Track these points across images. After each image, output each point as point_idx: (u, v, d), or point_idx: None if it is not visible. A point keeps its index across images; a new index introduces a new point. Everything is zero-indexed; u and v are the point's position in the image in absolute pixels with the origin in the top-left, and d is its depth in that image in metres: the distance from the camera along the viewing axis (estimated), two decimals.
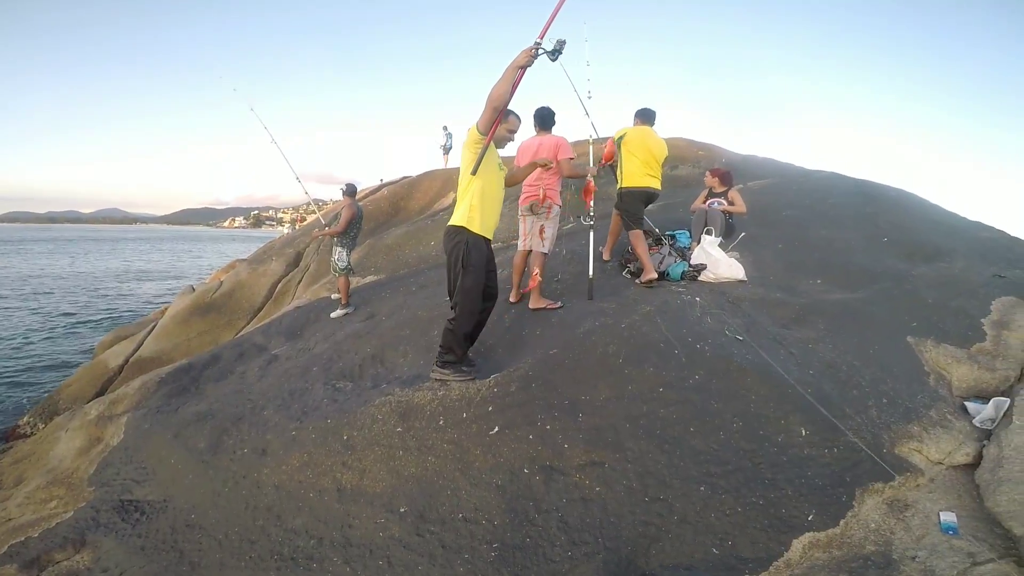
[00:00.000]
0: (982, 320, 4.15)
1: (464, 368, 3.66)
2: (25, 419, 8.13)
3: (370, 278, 8.23)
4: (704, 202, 5.94)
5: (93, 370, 9.26)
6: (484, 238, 3.48)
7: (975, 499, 2.59)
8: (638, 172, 4.99)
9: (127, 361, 9.12)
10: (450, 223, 3.50)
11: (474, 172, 3.37)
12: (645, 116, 5.14)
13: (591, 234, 4.85)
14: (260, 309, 10.05)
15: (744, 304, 4.32)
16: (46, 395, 9.25)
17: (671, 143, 14.32)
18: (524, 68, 3.10)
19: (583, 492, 2.57)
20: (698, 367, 3.25)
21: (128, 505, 3.49)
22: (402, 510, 2.69)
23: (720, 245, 5.18)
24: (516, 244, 4.87)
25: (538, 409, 3.09)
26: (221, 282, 11.28)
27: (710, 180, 6.04)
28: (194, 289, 11.61)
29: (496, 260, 6.82)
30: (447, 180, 14.13)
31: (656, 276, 4.76)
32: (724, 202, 5.83)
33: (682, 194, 8.77)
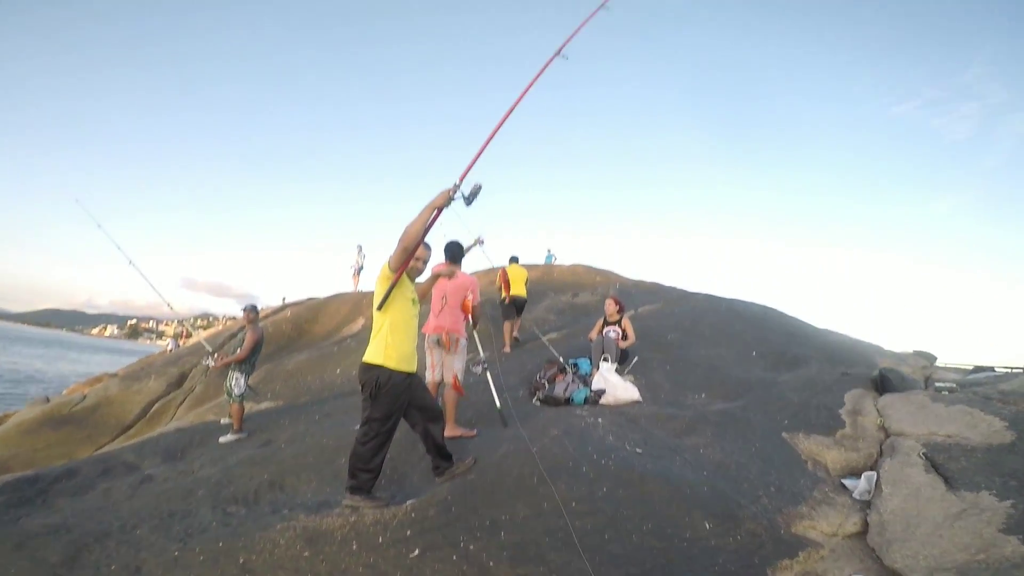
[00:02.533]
0: (840, 411, 4.89)
1: (376, 495, 3.54)
2: None
3: (266, 404, 7.78)
4: (600, 331, 6.54)
5: None
6: (402, 372, 3.45)
7: (875, 560, 2.95)
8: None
9: None
10: (364, 359, 3.47)
11: (379, 308, 3.43)
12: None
13: (488, 375, 5.18)
14: (130, 427, 9.02)
15: (641, 421, 4.71)
16: None
17: (572, 270, 15.64)
18: (440, 209, 3.22)
19: None
20: (605, 480, 3.45)
21: None
22: None
23: (616, 370, 5.75)
24: (426, 375, 4.90)
25: (459, 531, 3.06)
26: (84, 395, 10.01)
27: (611, 308, 6.68)
28: (48, 400, 10.17)
29: None
30: (356, 303, 13.98)
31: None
32: (619, 329, 6.46)
33: (583, 322, 9.52)
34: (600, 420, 4.52)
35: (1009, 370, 6.40)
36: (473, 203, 3.27)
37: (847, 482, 3.83)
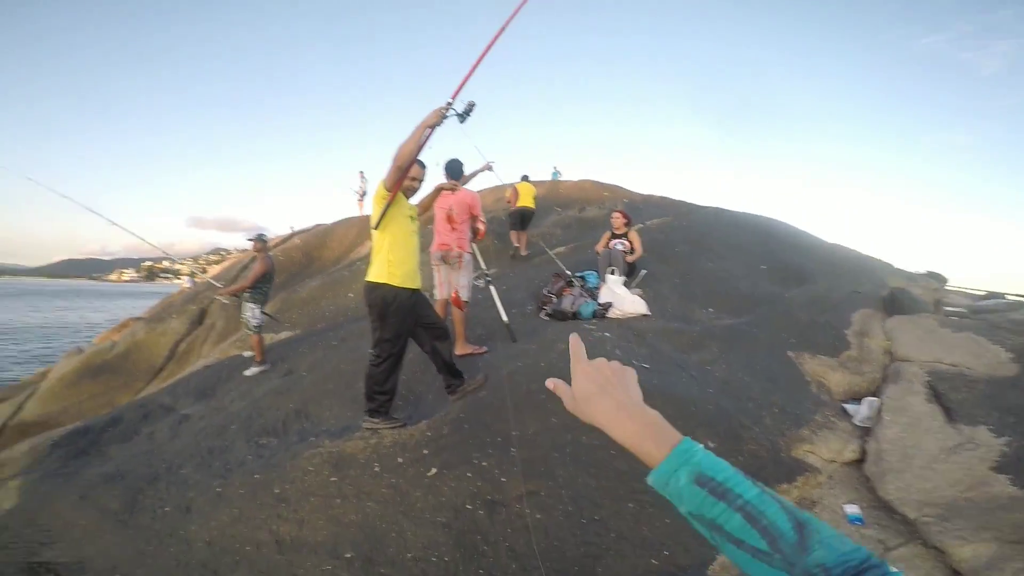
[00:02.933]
0: (846, 331, 4.86)
1: (394, 416, 3.70)
2: None
3: (285, 334, 7.98)
4: (607, 244, 6.49)
5: None
6: (407, 289, 3.50)
7: (870, 490, 3.02)
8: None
9: (5, 425, 8.15)
10: (368, 279, 3.52)
11: (375, 227, 3.45)
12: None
13: (492, 288, 5.19)
14: (161, 370, 9.35)
15: (648, 335, 4.76)
16: None
17: (579, 186, 15.30)
18: (433, 127, 3.18)
19: (525, 520, 2.72)
20: None
21: (38, 567, 3.21)
22: (348, 555, 2.70)
23: (624, 283, 5.71)
24: (434, 293, 5.00)
25: (472, 448, 3.23)
26: (115, 342, 10.37)
27: (618, 221, 6.59)
28: (81, 350, 10.57)
29: None
30: (363, 227, 14.00)
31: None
32: (626, 243, 6.41)
33: (590, 235, 9.44)
34: (607, 334, 4.59)
35: (1021, 298, 6.23)
36: (467, 120, 3.23)
37: (849, 407, 3.83)
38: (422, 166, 3.64)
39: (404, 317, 3.51)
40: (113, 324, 14.98)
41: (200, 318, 10.71)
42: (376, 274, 3.48)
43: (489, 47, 3.39)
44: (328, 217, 15.98)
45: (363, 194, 16.52)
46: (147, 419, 5.52)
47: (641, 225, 9.20)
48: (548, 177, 16.91)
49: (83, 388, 8.91)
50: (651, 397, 3.44)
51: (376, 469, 3.25)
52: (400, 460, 3.27)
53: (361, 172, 16.74)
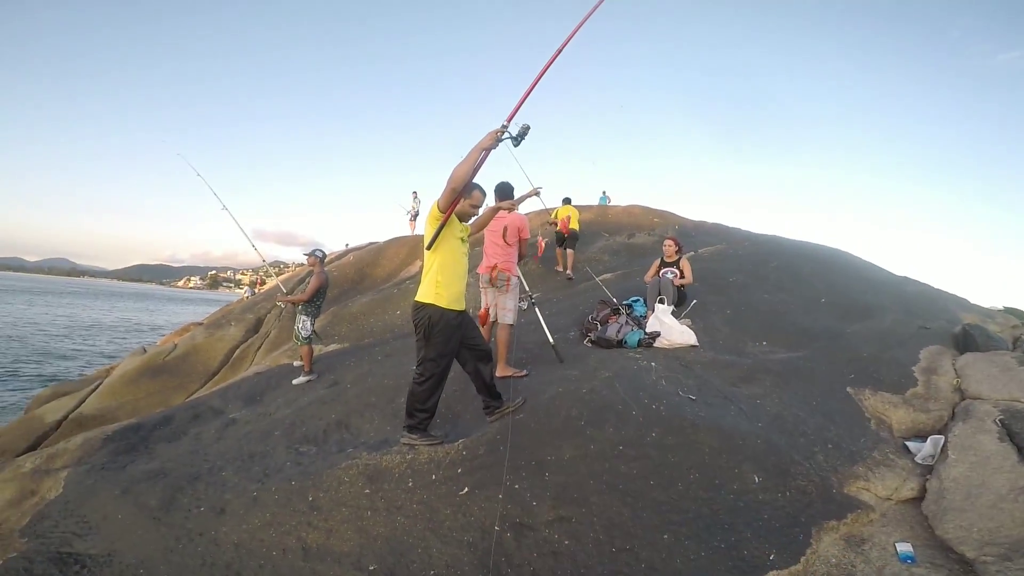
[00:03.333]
0: (913, 368, 4.57)
1: (432, 433, 3.70)
2: None
3: (333, 346, 8.18)
4: (657, 272, 6.34)
5: (25, 424, 8.68)
6: (453, 311, 3.51)
7: (926, 529, 2.81)
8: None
9: (67, 416, 8.63)
10: (416, 298, 3.56)
11: (429, 247, 3.49)
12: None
13: (536, 310, 5.22)
14: (215, 374, 9.74)
15: (696, 367, 4.59)
16: None
17: (628, 211, 15.18)
18: (488, 150, 3.20)
19: (553, 546, 2.64)
20: (654, 425, 3.43)
21: (67, 557, 3.30)
22: (371, 568, 2.68)
23: (673, 313, 5.55)
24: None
25: (507, 470, 3.17)
26: (175, 345, 10.93)
27: (669, 248, 6.45)
28: (145, 351, 11.18)
29: None
30: (414, 247, 14.33)
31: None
32: (676, 271, 6.24)
33: (639, 263, 9.29)
34: (653, 364, 4.46)
35: None
36: (522, 143, 3.23)
37: (911, 444, 3.61)
38: (483, 192, 3.65)
39: (449, 338, 3.51)
40: (176, 328, 15.87)
41: (256, 327, 11.16)
42: (424, 294, 3.51)
43: (545, 70, 3.42)
44: (381, 236, 16.50)
45: (415, 214, 16.95)
46: (196, 420, 5.71)
47: (692, 253, 8.99)
48: (596, 202, 16.88)
49: (142, 386, 9.37)
50: (696, 430, 3.31)
51: (409, 484, 3.24)
52: (434, 477, 3.25)
53: (415, 192, 17.20)
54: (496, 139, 3.16)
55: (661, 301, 5.73)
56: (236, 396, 6.39)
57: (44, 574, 3.16)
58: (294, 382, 6.35)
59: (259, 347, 10.10)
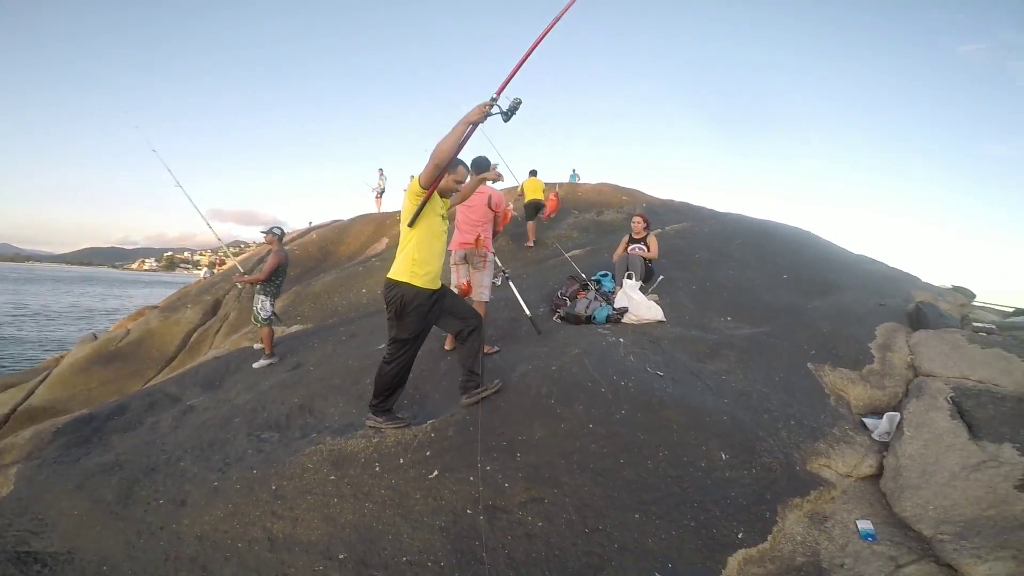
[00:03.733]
0: (869, 344, 4.69)
1: (398, 415, 3.61)
2: None
3: (296, 327, 7.98)
4: (625, 248, 6.36)
5: None
6: (428, 290, 3.37)
7: (885, 507, 2.91)
8: None
9: (14, 410, 8.21)
10: (389, 275, 3.40)
11: (411, 224, 3.32)
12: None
13: (511, 284, 5.18)
14: (172, 359, 9.40)
15: (664, 343, 4.63)
16: None
17: (597, 189, 15.19)
18: (476, 124, 3.03)
19: (527, 528, 2.62)
20: (623, 403, 3.43)
21: (26, 556, 3.15)
22: (341, 556, 2.62)
23: (641, 288, 5.57)
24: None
25: (476, 451, 3.11)
26: (128, 330, 10.46)
27: (637, 224, 6.46)
28: (96, 337, 10.67)
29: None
30: (380, 224, 14.06)
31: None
32: (644, 247, 6.27)
33: (607, 239, 9.30)
34: (622, 340, 4.47)
35: None
36: (512, 118, 3.07)
37: (868, 421, 3.71)
38: (467, 168, 3.52)
39: (422, 318, 3.40)
40: (130, 312, 15.21)
41: (215, 308, 10.79)
42: (399, 272, 3.35)
43: (537, 43, 3.21)
44: (346, 213, 16.13)
45: (381, 191, 16.62)
46: (152, 409, 5.50)
47: (660, 230, 9.05)
48: (566, 179, 16.83)
49: (94, 375, 8.97)
50: (664, 406, 3.32)
51: (376, 469, 3.15)
52: (401, 461, 3.18)
53: (380, 169, 16.87)
54: (484, 113, 2.99)
55: (629, 277, 5.76)
56: (194, 382, 6.19)
57: (4, 574, 3.01)
58: (254, 365, 6.16)
59: (218, 330, 9.78)
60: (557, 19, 3.30)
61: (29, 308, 35.04)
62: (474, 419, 3.41)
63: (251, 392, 5.23)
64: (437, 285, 3.46)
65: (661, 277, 6.40)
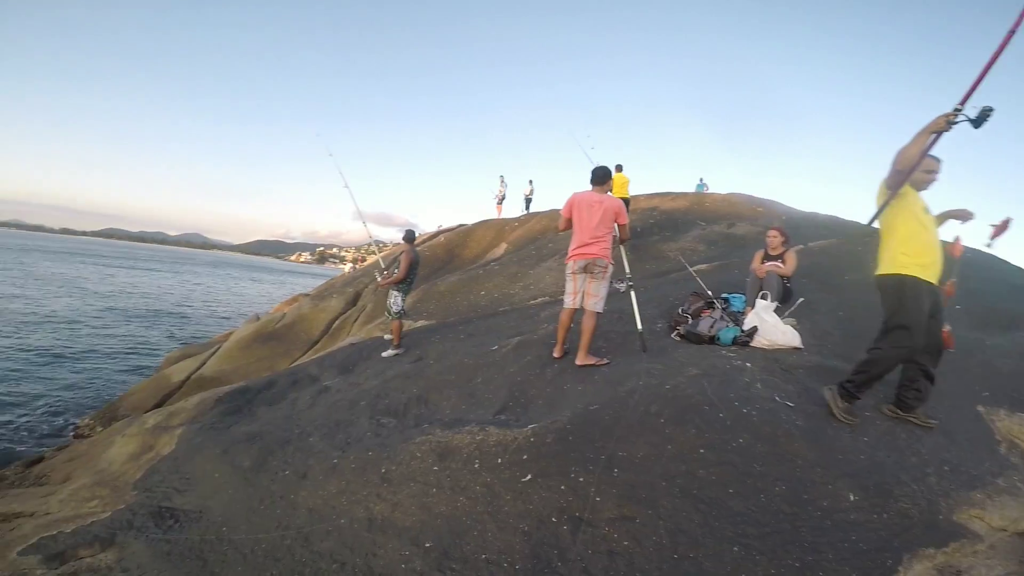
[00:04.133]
0: None
1: (855, 412, 3.47)
2: (85, 421, 8.72)
3: (421, 322, 8.46)
4: (760, 263, 5.82)
5: (156, 382, 9.86)
6: (924, 281, 3.29)
7: None
8: None
9: (189, 377, 9.68)
10: (877, 273, 3.43)
11: (873, 222, 3.48)
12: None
13: (632, 294, 4.99)
14: (316, 342, 10.50)
15: (798, 371, 4.16)
16: (107, 401, 9.85)
17: (727, 200, 14.21)
18: (939, 134, 3.06)
19: (610, 545, 2.52)
20: (743, 431, 3.16)
21: (165, 512, 3.64)
22: (427, 545, 2.72)
23: (776, 310, 5.03)
24: (563, 300, 4.88)
25: (573, 461, 3.07)
26: (284, 314, 11.91)
27: (774, 239, 5.86)
28: (259, 318, 12.30)
29: (543, 315, 6.83)
30: (500, 230, 14.52)
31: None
32: (781, 264, 5.70)
33: (737, 254, 8.64)
34: (748, 364, 4.12)
35: None
36: (983, 126, 2.98)
37: None
38: (937, 160, 3.47)
39: (921, 307, 3.27)
40: (286, 298, 17.32)
41: (355, 300, 11.90)
42: (887, 267, 3.37)
43: (999, 51, 3.10)
44: (470, 218, 16.97)
45: (502, 198, 17.13)
46: (295, 386, 6.13)
47: (801, 246, 8.18)
48: (692, 189, 16.01)
49: (253, 352, 10.32)
50: (791, 439, 2.99)
51: (476, 466, 3.24)
52: (499, 461, 3.23)
53: (502, 177, 17.35)
54: (948, 122, 3.00)
55: (763, 296, 5.21)
56: (332, 365, 6.79)
57: (142, 526, 3.50)
58: (383, 355, 6.65)
59: (356, 319, 10.74)
60: (1017, 23, 3.10)
61: (214, 290, 41.67)
62: (575, 429, 3.37)
63: (377, 379, 5.65)
64: (934, 278, 3.35)
65: (801, 299, 5.73)
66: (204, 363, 10.16)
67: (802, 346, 4.66)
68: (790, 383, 3.91)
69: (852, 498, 2.69)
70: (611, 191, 4.83)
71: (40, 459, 6.77)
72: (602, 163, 4.75)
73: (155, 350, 15.87)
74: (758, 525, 2.55)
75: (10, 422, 8.95)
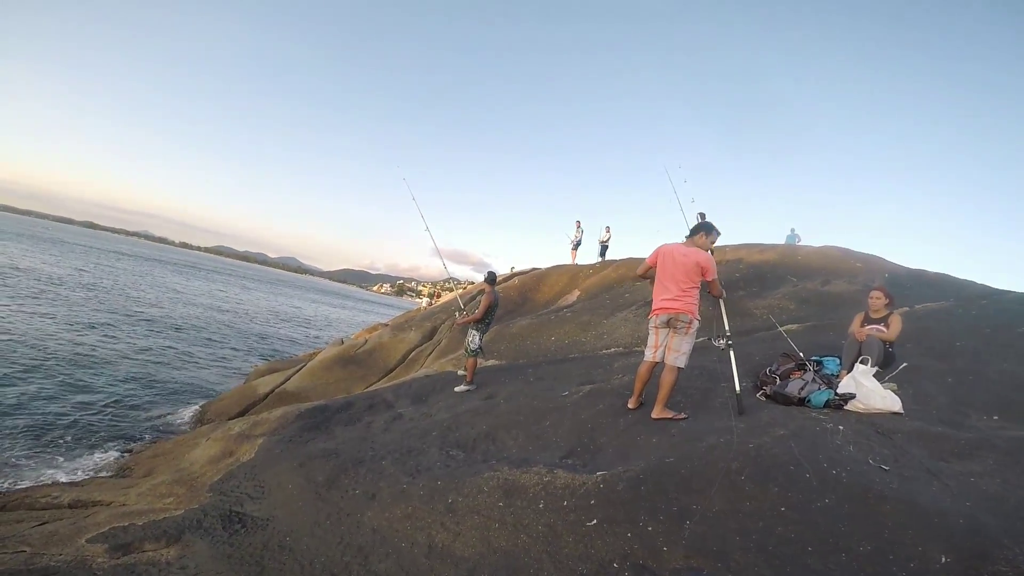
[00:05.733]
0: None
1: None
2: (176, 421, 9.42)
3: (492, 362, 8.59)
4: (860, 326, 5.41)
5: (243, 392, 10.56)
6: None
7: None
8: None
9: (273, 391, 10.30)
10: None
11: None
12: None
13: (732, 353, 4.72)
14: (392, 370, 10.90)
15: (896, 436, 3.82)
16: (197, 405, 10.62)
17: (822, 253, 13.41)
18: None
19: None
20: (830, 491, 2.94)
21: (234, 516, 3.78)
22: None
23: (875, 375, 4.65)
24: (641, 351, 4.76)
25: (642, 510, 2.97)
26: (366, 340, 12.51)
27: (877, 301, 5.42)
28: (342, 342, 12.97)
29: (615, 365, 6.68)
30: (574, 276, 14.51)
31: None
32: (883, 329, 5.26)
33: (832, 315, 8.10)
34: (841, 427, 3.83)
35: None
36: None
37: None
38: None
39: None
40: (367, 325, 18.16)
41: (431, 334, 12.28)
42: None
43: None
44: (542, 261, 17.20)
45: (577, 243, 17.12)
46: (371, 410, 6.38)
47: (906, 309, 7.53)
48: (782, 240, 15.26)
49: (334, 372, 10.86)
50: (883, 500, 2.76)
51: (540, 506, 3.21)
52: (565, 503, 3.18)
53: (578, 222, 17.37)
54: None
55: (863, 361, 4.82)
56: (406, 394, 7.02)
57: (210, 528, 3.64)
58: (456, 389, 6.81)
59: (430, 352, 11.06)
60: None
61: (304, 311, 44.77)
62: (648, 479, 3.27)
63: (449, 412, 5.78)
64: None
65: (904, 364, 5.26)
66: (288, 379, 10.80)
67: (903, 411, 4.29)
68: (886, 447, 3.61)
69: (943, 560, 2.42)
70: (708, 247, 4.61)
71: (129, 451, 7.42)
72: (702, 216, 4.64)
73: (245, 362, 17.13)
74: None
75: (111, 414, 9.88)
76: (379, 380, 10.36)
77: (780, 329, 6.76)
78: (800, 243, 15.03)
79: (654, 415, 4.44)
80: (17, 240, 56.33)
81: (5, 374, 10.59)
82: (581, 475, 3.47)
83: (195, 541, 3.49)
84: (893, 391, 4.53)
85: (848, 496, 2.89)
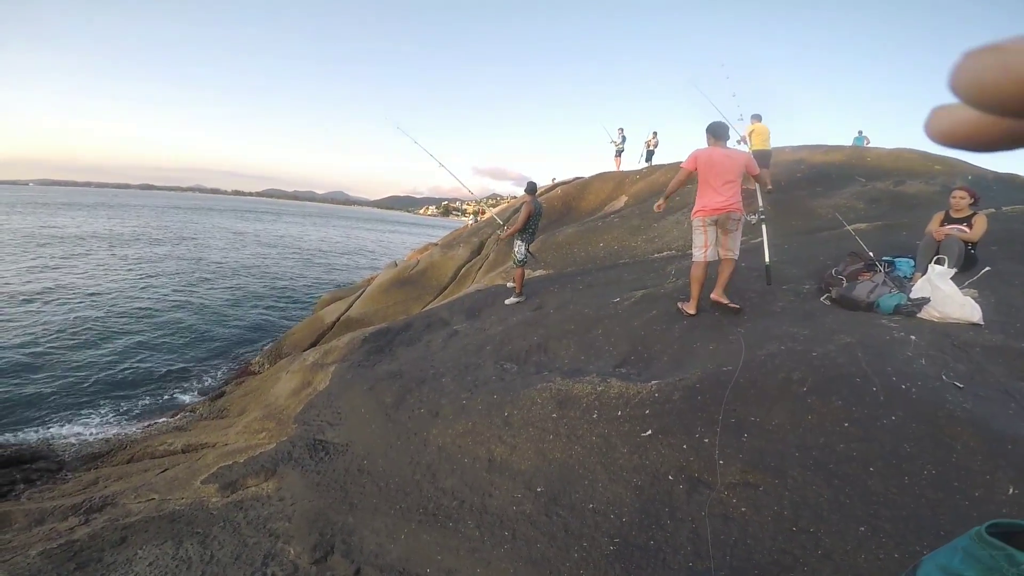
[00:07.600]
0: None
1: None
2: (257, 359, 10.09)
3: (540, 272, 8.56)
4: (940, 225, 4.99)
5: (312, 323, 11.15)
6: None
7: None
8: None
9: (339, 319, 10.82)
10: None
11: None
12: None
13: (764, 227, 4.96)
14: (445, 288, 11.14)
15: (974, 350, 3.57)
16: (273, 340, 11.41)
17: (895, 155, 12.26)
18: None
19: (726, 509, 2.45)
20: (897, 408, 2.84)
21: (318, 445, 4.03)
22: (539, 490, 2.82)
23: (954, 279, 4.32)
24: (692, 254, 4.66)
25: (699, 421, 2.98)
26: (418, 261, 12.79)
27: (960, 200, 4.98)
28: (396, 264, 13.32)
29: (669, 269, 6.53)
30: (619, 183, 14.01)
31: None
32: (965, 229, 4.84)
33: (907, 215, 7.50)
34: (913, 337, 3.63)
35: None
36: None
37: None
38: None
39: None
40: (418, 247, 18.55)
41: (479, 249, 12.40)
42: None
43: None
44: (586, 171, 16.66)
45: (620, 151, 16.50)
46: (429, 329, 6.54)
47: (992, 210, 6.85)
48: (848, 142, 14.01)
49: (391, 295, 11.23)
50: (954, 422, 2.65)
51: (594, 416, 3.28)
52: (619, 413, 3.23)
53: (621, 129, 16.70)
54: None
55: (939, 262, 4.48)
56: (460, 310, 7.15)
57: (299, 457, 3.89)
58: (506, 302, 6.88)
59: (480, 267, 11.18)
60: None
61: (357, 240, 46.23)
62: (704, 389, 3.26)
63: (501, 325, 5.86)
64: None
65: (987, 268, 4.82)
66: (351, 306, 11.25)
67: (982, 322, 3.97)
68: (962, 362, 3.40)
69: (1011, 491, 2.33)
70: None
71: (222, 393, 8.03)
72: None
73: (310, 294, 18.11)
74: (894, 507, 2.31)
75: (201, 359, 10.98)
76: (434, 299, 10.61)
77: (848, 228, 6.32)
78: (869, 145, 13.79)
79: (713, 296, 4.62)
80: (78, 209, 59.36)
81: (103, 332, 11.82)
82: (635, 384, 3.48)
83: (288, 472, 3.72)
84: (973, 298, 4.20)
85: (916, 414, 2.79)
